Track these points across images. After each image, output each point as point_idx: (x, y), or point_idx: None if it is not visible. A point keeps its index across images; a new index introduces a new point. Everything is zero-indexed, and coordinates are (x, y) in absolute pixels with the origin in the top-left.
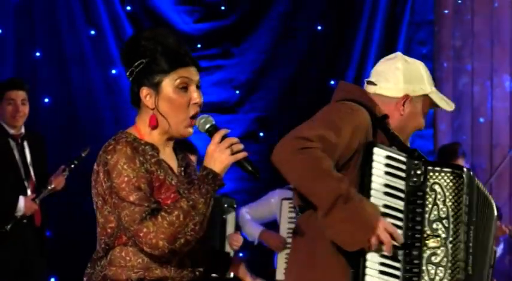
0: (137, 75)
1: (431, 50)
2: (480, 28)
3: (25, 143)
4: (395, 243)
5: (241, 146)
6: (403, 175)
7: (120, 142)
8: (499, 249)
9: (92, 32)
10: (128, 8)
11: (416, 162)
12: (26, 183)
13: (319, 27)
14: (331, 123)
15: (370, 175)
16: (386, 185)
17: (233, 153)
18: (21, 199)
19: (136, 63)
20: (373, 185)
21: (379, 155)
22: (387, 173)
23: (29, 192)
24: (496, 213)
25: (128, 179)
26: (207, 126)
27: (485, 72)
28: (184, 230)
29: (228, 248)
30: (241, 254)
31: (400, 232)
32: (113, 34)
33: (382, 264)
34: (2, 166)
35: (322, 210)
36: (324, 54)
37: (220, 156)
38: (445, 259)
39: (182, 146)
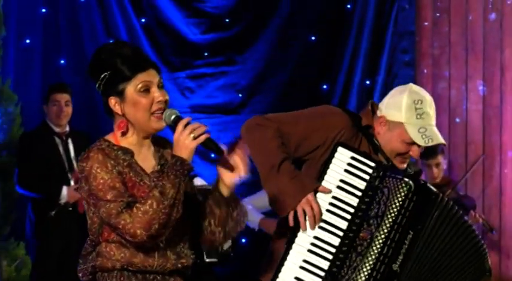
0: (104, 88)
1: (412, 58)
2: (456, 39)
3: (69, 140)
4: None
5: (202, 129)
6: (366, 176)
7: (92, 150)
8: None
9: (111, 42)
10: (143, 20)
11: (376, 167)
12: (69, 175)
13: (312, 38)
14: (298, 115)
15: (327, 168)
16: (342, 181)
17: (196, 137)
18: (65, 188)
19: (101, 77)
20: (327, 177)
21: (343, 154)
22: (347, 171)
23: (72, 183)
24: (472, 245)
25: (103, 181)
26: (172, 117)
27: (460, 78)
28: (158, 216)
29: None
30: (243, 240)
31: (345, 223)
32: None
33: (313, 245)
34: (48, 160)
35: (261, 178)
36: (317, 62)
37: (184, 142)
38: (366, 250)
39: (160, 143)
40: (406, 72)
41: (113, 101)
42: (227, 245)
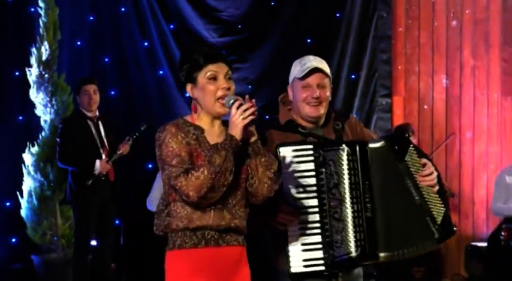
0: (184, 77)
1: (389, 56)
2: (424, 41)
3: (99, 122)
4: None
5: (251, 111)
6: (311, 158)
7: (168, 124)
8: None
9: (146, 44)
10: (171, 26)
11: (315, 147)
12: (101, 150)
13: (308, 40)
14: None
15: (282, 169)
16: (298, 171)
17: (244, 117)
18: (98, 161)
19: (183, 69)
20: (285, 175)
21: (286, 151)
22: (297, 162)
23: (103, 156)
24: (399, 162)
25: (172, 149)
26: (231, 102)
27: (428, 72)
28: (207, 181)
29: None
30: None
31: (315, 201)
32: (160, 45)
33: (301, 228)
34: (84, 139)
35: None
36: None
37: (235, 123)
38: (343, 214)
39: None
40: (384, 68)
41: (189, 87)
42: None
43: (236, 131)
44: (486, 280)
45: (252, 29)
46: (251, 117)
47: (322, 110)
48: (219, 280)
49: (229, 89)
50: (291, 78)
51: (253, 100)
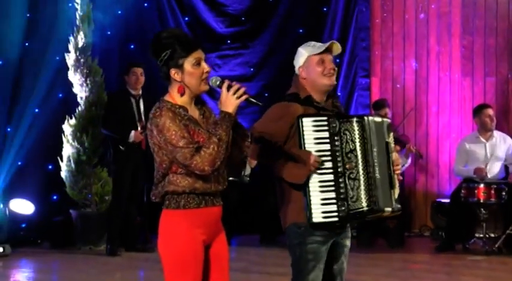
0: (165, 62)
1: (368, 44)
2: (397, 31)
3: (140, 100)
4: (325, 167)
5: (242, 90)
6: (326, 128)
7: (163, 109)
8: (409, 161)
9: (167, 29)
10: (186, 19)
11: (331, 119)
12: (137, 123)
13: (300, 30)
14: (270, 120)
15: (303, 135)
16: (316, 138)
17: (238, 97)
18: (132, 132)
19: (163, 54)
20: (306, 140)
21: (307, 121)
22: (315, 130)
23: (139, 128)
24: (387, 138)
25: (174, 132)
26: (218, 82)
27: (400, 57)
28: (219, 156)
29: (247, 166)
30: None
31: (329, 164)
32: None
33: (320, 186)
34: (124, 112)
35: (286, 176)
36: None
37: (229, 101)
38: (358, 174)
39: (199, 101)
40: (364, 54)
41: (173, 72)
42: (247, 171)
43: (232, 109)
44: (448, 230)
45: (253, 21)
46: (245, 96)
47: (335, 81)
48: (210, 234)
49: (209, 71)
50: (301, 60)
51: (240, 84)
